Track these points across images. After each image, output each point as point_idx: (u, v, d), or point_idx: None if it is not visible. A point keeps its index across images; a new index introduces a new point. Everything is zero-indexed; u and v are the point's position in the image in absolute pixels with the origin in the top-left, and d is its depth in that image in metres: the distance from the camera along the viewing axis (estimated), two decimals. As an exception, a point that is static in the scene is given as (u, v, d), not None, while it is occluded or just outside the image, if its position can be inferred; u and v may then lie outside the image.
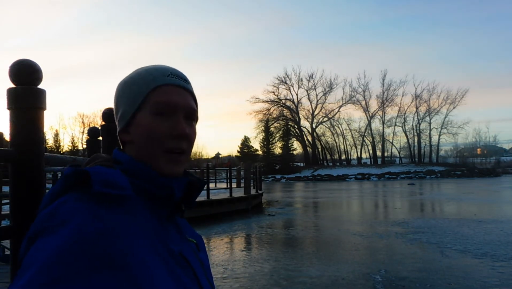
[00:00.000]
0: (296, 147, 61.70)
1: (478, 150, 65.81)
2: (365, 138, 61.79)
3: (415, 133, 60.37)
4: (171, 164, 0.73)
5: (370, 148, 61.89)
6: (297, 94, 62.11)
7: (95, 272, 0.55)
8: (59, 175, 6.99)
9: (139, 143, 0.73)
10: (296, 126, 61.95)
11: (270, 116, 60.45)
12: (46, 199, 0.66)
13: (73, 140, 55.72)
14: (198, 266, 0.75)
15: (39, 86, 1.46)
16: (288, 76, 62.16)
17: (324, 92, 61.77)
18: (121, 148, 0.78)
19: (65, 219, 0.58)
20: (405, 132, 60.77)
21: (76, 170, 0.65)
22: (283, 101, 62.03)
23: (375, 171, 49.93)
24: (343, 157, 62.94)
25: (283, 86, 62.16)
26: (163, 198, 0.71)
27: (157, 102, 0.73)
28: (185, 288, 0.67)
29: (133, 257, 0.59)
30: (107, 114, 2.40)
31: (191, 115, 0.76)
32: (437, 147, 60.23)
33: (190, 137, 0.75)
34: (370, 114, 60.63)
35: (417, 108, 59.82)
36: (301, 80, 62.03)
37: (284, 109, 62.13)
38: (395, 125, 60.99)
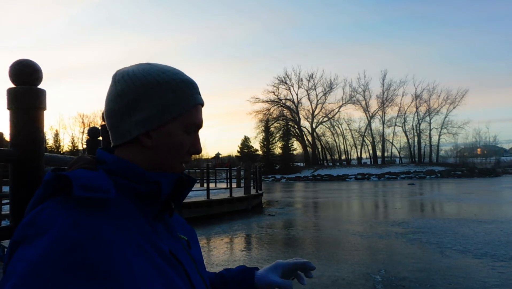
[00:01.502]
0: (296, 146, 61.74)
1: (478, 150, 65.77)
2: (365, 138, 61.79)
3: (415, 133, 60.36)
4: (178, 169, 0.78)
5: (370, 148, 61.90)
6: (297, 94, 62.14)
7: (74, 283, 0.54)
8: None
9: (161, 152, 0.75)
10: (296, 126, 61.93)
11: (270, 116, 60.47)
12: (30, 205, 0.65)
13: (73, 140, 55.78)
14: (190, 264, 0.75)
15: (39, 86, 1.46)
16: (288, 76, 62.20)
17: (324, 92, 61.79)
18: (110, 146, 0.77)
19: (44, 228, 0.57)
20: (405, 132, 60.76)
21: (56, 174, 0.63)
22: (283, 101, 62.04)
23: (375, 171, 49.91)
24: (343, 157, 62.92)
25: (283, 86, 62.20)
26: (151, 195, 0.70)
27: (192, 123, 0.77)
28: (175, 287, 0.66)
29: (116, 263, 0.58)
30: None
31: None
32: (437, 147, 60.21)
33: None
34: (370, 114, 60.64)
35: (417, 108, 59.81)
36: (301, 80, 62.06)
37: (284, 109, 62.13)
38: (395, 125, 60.99)
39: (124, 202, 0.67)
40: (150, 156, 0.74)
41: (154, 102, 0.73)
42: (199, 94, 0.79)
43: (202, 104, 0.80)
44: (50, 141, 53.40)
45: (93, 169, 0.68)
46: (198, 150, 0.79)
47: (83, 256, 0.56)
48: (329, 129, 62.92)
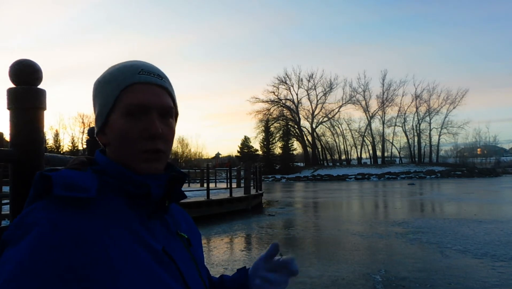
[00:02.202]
0: (296, 147, 61.76)
1: (478, 150, 65.79)
2: (365, 138, 61.80)
3: (415, 133, 60.37)
4: (148, 163, 0.71)
5: (370, 148, 61.92)
6: (297, 94, 62.16)
7: (54, 285, 0.54)
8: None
9: (114, 145, 0.72)
10: (296, 126, 61.93)
11: (270, 116, 60.49)
12: (25, 205, 0.66)
13: (73, 140, 55.75)
14: (186, 262, 0.74)
15: (39, 86, 1.45)
16: (288, 76, 62.25)
17: (324, 92, 61.83)
18: (104, 147, 0.77)
19: (27, 230, 0.58)
20: (405, 132, 60.78)
21: (40, 174, 0.64)
22: (283, 101, 62.05)
23: (375, 171, 49.90)
24: (343, 157, 62.96)
25: (283, 86, 62.23)
26: (141, 196, 0.70)
27: (128, 103, 0.70)
28: (164, 286, 0.65)
29: (98, 264, 0.58)
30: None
31: (167, 112, 0.74)
32: (437, 147, 60.21)
33: (165, 136, 0.73)
34: (370, 114, 60.65)
35: (417, 108, 59.83)
36: (301, 80, 62.10)
37: (284, 109, 62.14)
38: (395, 125, 61.01)
39: (114, 200, 0.67)
40: (113, 152, 0.73)
41: (99, 100, 0.75)
42: (138, 74, 0.72)
43: (144, 83, 0.72)
44: (50, 141, 53.41)
45: (81, 169, 0.68)
46: (152, 131, 0.70)
47: (63, 257, 0.56)
48: (329, 129, 63.01)
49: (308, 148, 61.59)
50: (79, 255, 0.57)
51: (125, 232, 0.64)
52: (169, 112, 0.74)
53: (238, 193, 15.70)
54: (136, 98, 0.71)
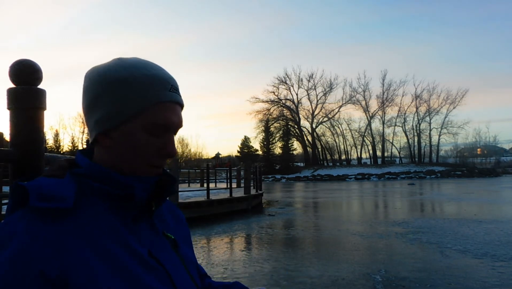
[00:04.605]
0: (296, 147, 61.83)
1: (478, 150, 65.83)
2: (365, 138, 61.84)
3: (415, 133, 60.42)
4: (148, 172, 0.71)
5: (370, 148, 61.98)
6: (297, 94, 62.21)
7: None
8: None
9: (121, 153, 0.69)
10: (296, 126, 61.96)
11: (270, 116, 60.55)
12: (5, 214, 0.65)
13: (73, 140, 55.76)
14: (174, 263, 0.72)
15: (39, 86, 1.45)
16: (288, 76, 62.35)
17: (324, 92, 61.91)
18: (88, 145, 0.74)
19: (5, 242, 0.58)
20: (405, 132, 60.84)
21: (16, 184, 0.63)
22: (283, 101, 62.10)
23: (375, 171, 49.91)
24: (343, 157, 63.02)
25: (283, 86, 62.31)
26: (125, 198, 0.68)
27: (153, 122, 0.68)
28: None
29: (77, 271, 0.57)
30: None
31: (178, 130, 0.74)
32: (437, 147, 60.27)
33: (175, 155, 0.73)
34: (370, 114, 60.70)
35: (417, 108, 59.90)
36: (301, 80, 62.18)
37: (284, 109, 62.17)
38: (395, 125, 61.09)
39: (95, 205, 0.65)
40: (114, 156, 0.70)
41: (112, 100, 0.68)
42: (169, 91, 0.70)
43: (173, 102, 0.71)
44: (50, 141, 53.49)
45: (59, 176, 0.66)
46: (170, 153, 0.71)
47: (42, 269, 0.56)
48: (329, 129, 63.09)
49: (308, 148, 61.61)
50: (58, 265, 0.57)
51: (107, 238, 0.63)
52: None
53: (238, 193, 15.70)
54: (163, 118, 0.69)
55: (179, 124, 0.72)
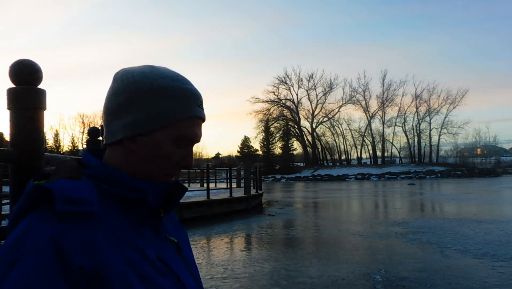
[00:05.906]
0: (296, 147, 61.73)
1: (478, 150, 65.82)
2: (365, 138, 61.79)
3: (415, 133, 60.36)
4: (163, 180, 0.74)
5: (370, 148, 61.90)
6: (297, 94, 62.15)
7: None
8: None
9: (144, 159, 0.71)
10: (296, 126, 61.93)
11: (270, 116, 60.46)
12: (13, 215, 0.64)
13: (73, 140, 55.72)
14: (180, 266, 0.74)
15: (39, 86, 1.45)
16: (288, 76, 62.22)
17: (324, 92, 61.81)
18: (103, 145, 0.75)
19: (39, 249, 0.57)
20: (405, 132, 60.77)
21: (38, 186, 0.62)
22: (283, 101, 62.04)
23: (375, 171, 49.90)
24: (343, 157, 62.94)
25: (283, 86, 62.21)
26: (136, 202, 0.69)
27: (182, 134, 0.71)
28: None
29: (111, 272, 0.59)
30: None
31: None
32: (437, 147, 60.20)
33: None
34: (370, 114, 60.63)
35: (417, 108, 59.82)
36: (301, 80, 62.08)
37: (284, 109, 62.12)
38: (395, 125, 61.00)
39: (109, 209, 0.66)
40: (134, 161, 0.71)
41: (145, 107, 0.69)
42: (199, 107, 0.74)
43: (201, 118, 0.74)
44: (50, 141, 53.40)
45: (76, 177, 0.65)
46: (189, 165, 0.74)
47: (80, 265, 0.57)
48: (329, 129, 62.99)
49: (308, 148, 61.58)
50: (93, 263, 0.58)
51: (122, 242, 0.64)
52: None
53: (238, 193, 15.70)
54: (190, 133, 0.73)
55: (200, 138, 0.76)
